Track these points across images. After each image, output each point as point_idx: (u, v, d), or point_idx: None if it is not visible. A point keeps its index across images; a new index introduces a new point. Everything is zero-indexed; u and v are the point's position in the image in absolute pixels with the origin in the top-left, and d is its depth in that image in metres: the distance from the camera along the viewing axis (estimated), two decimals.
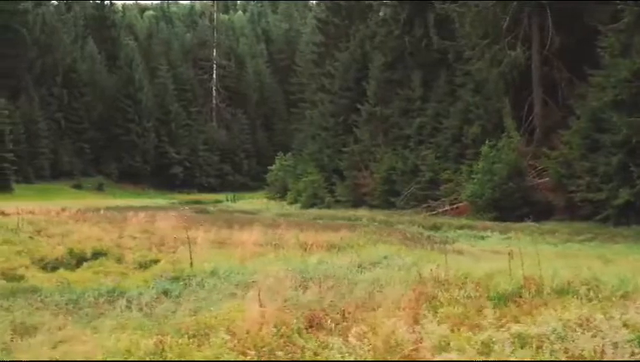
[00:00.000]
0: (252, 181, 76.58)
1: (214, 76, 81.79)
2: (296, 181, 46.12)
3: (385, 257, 14.73)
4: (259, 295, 7.79)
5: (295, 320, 6.65)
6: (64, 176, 63.74)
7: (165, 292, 10.69)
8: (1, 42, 61.77)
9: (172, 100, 73.17)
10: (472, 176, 29.26)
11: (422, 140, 37.19)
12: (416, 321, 7.19)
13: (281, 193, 49.36)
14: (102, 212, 29.24)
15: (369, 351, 5.89)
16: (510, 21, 32.04)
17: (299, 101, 78.99)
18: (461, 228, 24.99)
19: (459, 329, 6.86)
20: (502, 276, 11.21)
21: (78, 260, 14.24)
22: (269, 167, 55.78)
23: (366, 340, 6.10)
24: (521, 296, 9.53)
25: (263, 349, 5.87)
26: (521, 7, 32.62)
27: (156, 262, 13.98)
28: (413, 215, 30.82)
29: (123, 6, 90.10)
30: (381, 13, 48.63)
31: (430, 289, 9.70)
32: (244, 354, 5.78)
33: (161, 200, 56.05)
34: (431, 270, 11.37)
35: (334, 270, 12.43)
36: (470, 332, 6.77)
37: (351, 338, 6.17)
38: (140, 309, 9.37)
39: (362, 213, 32.47)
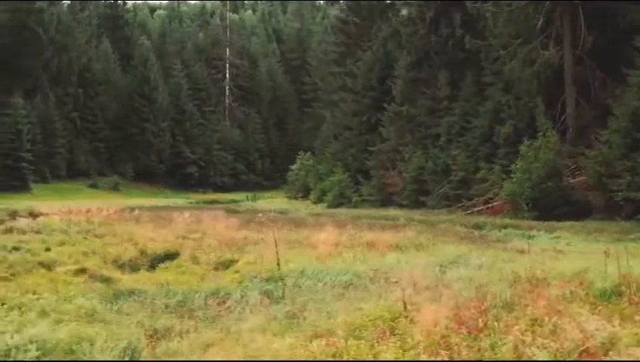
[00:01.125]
0: (265, 180, 76.63)
1: (227, 75, 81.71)
2: (319, 180, 46.06)
3: (458, 256, 14.70)
4: (403, 294, 7.74)
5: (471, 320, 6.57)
6: (80, 176, 63.60)
7: (266, 293, 10.63)
8: (17, 41, 61.63)
9: (187, 100, 73.10)
10: (511, 175, 29.19)
11: (450, 139, 37.13)
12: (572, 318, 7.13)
13: (304, 193, 49.26)
14: (136, 212, 29.14)
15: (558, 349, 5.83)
16: (543, 21, 31.99)
17: (312, 101, 79.18)
18: (504, 227, 24.89)
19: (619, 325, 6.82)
20: (592, 274, 11.18)
21: (151, 261, 14.17)
22: (290, 167, 55.64)
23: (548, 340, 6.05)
24: (620, 294, 9.52)
25: (453, 348, 5.79)
26: (553, 7, 32.60)
27: (233, 262, 13.91)
28: (447, 214, 30.78)
29: (134, 5, 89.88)
30: (403, 12, 48.69)
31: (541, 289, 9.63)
32: (436, 354, 5.71)
33: (179, 200, 55.99)
34: (525, 269, 11.36)
35: (420, 269, 12.36)
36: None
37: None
38: (255, 311, 9.29)
39: (396, 212, 32.38)
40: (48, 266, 14.03)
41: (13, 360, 6.56)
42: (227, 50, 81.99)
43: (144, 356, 7.05)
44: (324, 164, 47.18)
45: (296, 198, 49.88)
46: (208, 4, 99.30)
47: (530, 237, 22.49)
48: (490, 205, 30.80)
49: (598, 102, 32.45)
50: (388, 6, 48.62)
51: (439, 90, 39.08)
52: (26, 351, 6.70)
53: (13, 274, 13.20)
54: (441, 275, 11.95)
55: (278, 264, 12.64)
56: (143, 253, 14.42)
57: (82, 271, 13.51)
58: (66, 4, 72.48)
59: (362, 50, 46.16)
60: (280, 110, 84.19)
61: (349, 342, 6.41)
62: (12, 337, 6.92)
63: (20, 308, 8.45)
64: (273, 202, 50.00)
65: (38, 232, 20.70)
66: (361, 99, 45.19)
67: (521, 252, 16.87)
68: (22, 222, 23.49)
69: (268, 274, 11.97)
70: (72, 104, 64.66)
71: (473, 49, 36.45)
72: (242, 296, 10.16)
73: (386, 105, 42.04)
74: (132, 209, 30.47)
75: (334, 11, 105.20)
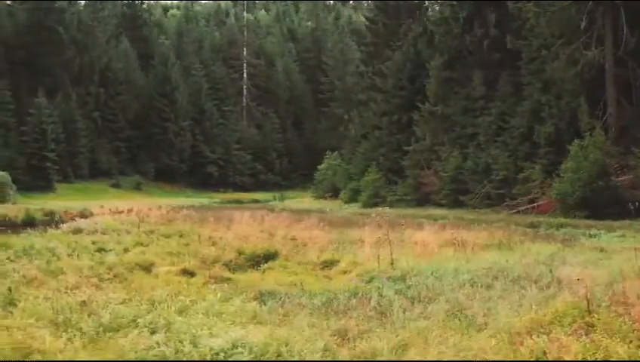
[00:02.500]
0: (283, 180, 76.66)
1: (244, 75, 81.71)
2: (349, 180, 46.05)
3: (553, 255, 14.68)
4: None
5: None
6: (101, 176, 63.64)
7: (398, 293, 10.58)
8: (38, 41, 61.66)
9: (206, 99, 73.10)
10: (554, 174, 29.19)
11: (487, 139, 37.11)
12: None
13: (332, 192, 49.23)
14: (185, 211, 29.12)
15: None
16: (586, 21, 31.98)
17: (329, 100, 79.26)
18: (560, 226, 24.89)
19: None
20: None
21: (251, 262, 14.13)
22: (318, 167, 55.59)
23: None
24: None
25: None
26: (595, 7, 32.60)
27: (335, 262, 13.87)
28: (494, 213, 30.78)
29: (148, 5, 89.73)
30: (430, 12, 48.78)
31: None
32: None
33: (204, 200, 56.00)
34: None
35: (530, 269, 12.34)
36: None
37: None
38: (410, 310, 9.20)
39: (440, 211, 32.34)
40: (145, 267, 13.98)
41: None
42: (244, 49, 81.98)
43: (343, 356, 7.01)
44: (353, 164, 47.13)
45: (324, 198, 49.83)
46: (223, 3, 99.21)
47: (592, 236, 22.48)
48: (535, 204, 30.80)
49: (639, 101, 32.56)
50: (416, 6, 48.60)
51: (474, 90, 39.04)
52: (237, 354, 6.64)
53: (116, 276, 13.13)
54: (556, 273, 11.93)
55: (392, 263, 12.64)
56: (241, 253, 14.36)
57: (185, 271, 13.49)
58: (81, 4, 72.45)
59: (392, 50, 46.09)
60: (297, 109, 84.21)
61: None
62: (213, 340, 6.88)
63: (181, 311, 8.35)
64: (302, 202, 49.97)
65: (103, 233, 20.70)
66: (391, 99, 45.15)
67: (602, 250, 16.86)
68: (81, 223, 23.50)
69: (384, 274, 11.91)
70: (94, 103, 64.68)
71: (514, 49, 36.41)
72: (381, 296, 10.09)
73: (417, 104, 42.06)
74: (176, 208, 30.49)
75: (348, 11, 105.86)
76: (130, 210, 27.99)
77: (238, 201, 57.70)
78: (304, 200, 52.13)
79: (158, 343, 6.70)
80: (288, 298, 9.99)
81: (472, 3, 40.18)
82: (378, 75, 47.33)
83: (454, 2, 41.00)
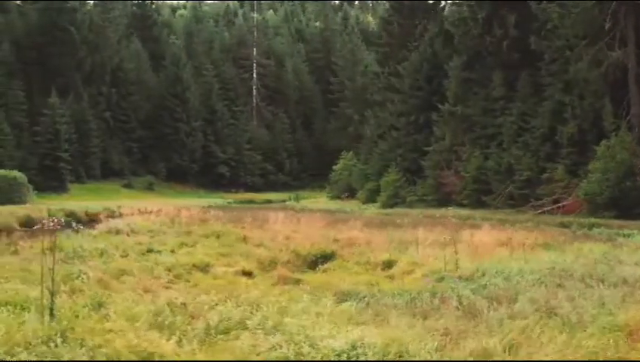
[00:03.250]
0: (293, 180, 76.65)
1: (254, 75, 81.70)
2: (365, 180, 46.07)
3: (606, 254, 14.70)
4: None
5: None
6: (113, 176, 63.61)
7: (475, 292, 10.57)
8: (50, 41, 61.62)
9: (217, 99, 73.09)
10: (579, 174, 29.21)
11: (508, 140, 37.09)
12: None
13: (349, 192, 49.21)
14: (212, 212, 29.10)
15: None
16: (610, 22, 31.97)
17: (338, 100, 79.26)
18: (592, 226, 24.89)
19: None
20: None
21: (308, 262, 14.14)
22: (334, 167, 55.59)
23: None
24: None
25: None
26: (618, 8, 32.59)
27: (393, 262, 13.86)
28: (520, 213, 30.78)
29: (156, 5, 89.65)
30: (446, 12, 48.77)
31: None
32: None
33: (218, 200, 55.89)
34: None
35: (591, 268, 12.35)
36: None
37: None
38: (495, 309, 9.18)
39: (464, 212, 32.28)
40: (202, 268, 13.96)
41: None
42: (254, 50, 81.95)
43: (457, 356, 6.99)
44: (370, 164, 47.12)
45: (340, 198, 49.81)
46: (231, 4, 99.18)
47: (626, 235, 22.49)
48: (561, 204, 30.81)
49: None
50: (432, 6, 48.65)
51: (494, 90, 39.03)
52: (360, 355, 6.62)
53: (177, 276, 13.14)
54: (619, 272, 11.95)
55: (457, 263, 12.65)
56: (297, 254, 14.36)
57: (243, 272, 13.51)
58: (90, 4, 72.34)
59: (408, 51, 46.08)
60: (306, 110, 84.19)
61: None
62: (331, 340, 6.86)
63: (282, 313, 8.31)
64: (318, 202, 49.94)
65: (140, 233, 20.68)
66: (408, 99, 45.15)
67: None
68: (116, 223, 23.49)
69: (451, 274, 11.93)
70: (105, 104, 64.66)
71: (533, 49, 36.38)
72: (459, 296, 10.08)
73: (435, 104, 42.09)
74: (203, 209, 30.47)
75: (355, 11, 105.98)
76: (159, 211, 27.94)
77: (252, 201, 57.67)
78: (319, 201, 52.09)
79: (279, 344, 6.70)
80: (371, 298, 9.98)
81: (490, 3, 40.17)
82: (394, 75, 47.31)
83: (472, 2, 40.96)
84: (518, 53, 38.60)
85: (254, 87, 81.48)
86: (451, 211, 25.92)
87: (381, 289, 10.59)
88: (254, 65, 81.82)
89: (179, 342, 7.03)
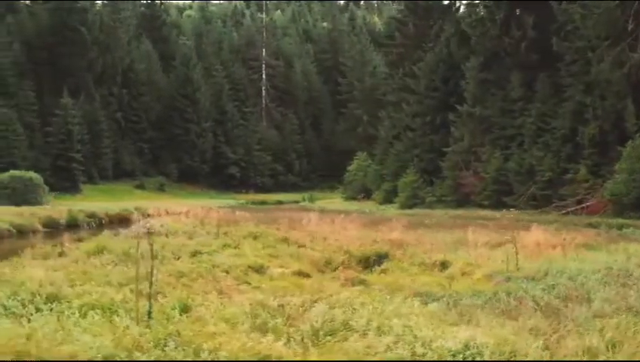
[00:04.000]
0: (303, 181, 76.71)
1: (263, 76, 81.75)
2: (381, 181, 46.16)
3: None
4: None
5: None
6: (124, 176, 63.62)
7: (545, 292, 10.61)
8: (61, 41, 61.60)
9: (227, 100, 73.15)
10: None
11: (529, 140, 37.17)
12: None
13: (364, 193, 49.28)
14: (238, 213, 29.15)
15: None
16: (633, 23, 32.05)
17: (347, 101, 79.37)
18: (622, 226, 24.95)
19: None
20: None
21: (364, 263, 14.16)
22: (348, 168, 55.65)
23: None
24: None
25: None
26: None
27: (448, 263, 13.90)
28: (545, 214, 30.84)
29: (164, 6, 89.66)
30: (461, 13, 48.85)
31: None
32: None
33: (231, 201, 55.86)
34: None
35: None
36: None
37: None
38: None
39: (488, 213, 32.38)
40: (257, 269, 13.96)
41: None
42: (263, 50, 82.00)
43: (564, 355, 7.01)
44: (386, 165, 47.19)
45: (355, 199, 49.86)
46: (238, 4, 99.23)
47: None
48: (585, 205, 30.89)
49: None
50: (447, 6, 48.77)
51: (512, 91, 39.10)
52: (475, 354, 6.65)
53: (235, 278, 13.10)
54: None
55: (517, 264, 12.70)
56: (350, 255, 14.39)
57: (300, 273, 13.52)
58: (99, 4, 72.31)
59: (423, 51, 46.15)
60: (315, 111, 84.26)
61: None
62: (443, 341, 6.90)
63: (379, 314, 8.31)
64: (333, 202, 49.97)
65: (176, 235, 20.67)
66: (424, 100, 45.22)
67: None
68: (151, 224, 23.40)
69: (512, 274, 11.99)
70: (117, 104, 64.68)
71: (552, 50, 36.46)
72: (533, 296, 10.10)
73: (452, 105, 42.19)
74: (226, 210, 30.53)
75: (361, 12, 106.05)
76: (187, 212, 27.99)
77: (264, 202, 57.67)
78: (334, 201, 52.12)
79: (394, 344, 6.73)
80: (449, 299, 9.99)
81: (508, 4, 40.26)
82: (409, 76, 47.37)
83: (490, 3, 41.03)
84: (537, 54, 38.69)
85: (263, 87, 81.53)
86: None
87: (455, 290, 10.64)
88: (263, 65, 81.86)
89: (287, 344, 7.06)
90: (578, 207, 31.15)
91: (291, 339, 7.17)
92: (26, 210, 36.27)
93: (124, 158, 63.81)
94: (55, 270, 12.05)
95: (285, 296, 9.68)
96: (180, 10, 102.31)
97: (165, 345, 6.79)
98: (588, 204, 30.82)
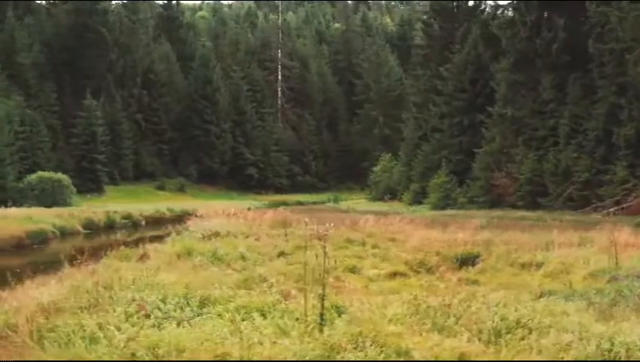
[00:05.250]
0: (320, 182, 76.95)
1: (279, 77, 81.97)
2: (408, 182, 46.37)
3: None
4: None
5: None
6: (145, 178, 63.79)
7: None
8: (81, 42, 61.71)
9: (246, 101, 73.33)
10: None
11: (559, 141, 37.37)
12: None
13: (390, 194, 49.48)
14: (282, 214, 29.22)
15: None
16: None
17: (362, 102, 79.74)
18: None
19: None
20: None
21: (456, 264, 14.34)
22: (374, 168, 55.90)
23: None
24: None
25: None
26: None
27: (540, 263, 14.06)
28: (583, 215, 31.03)
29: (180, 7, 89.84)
30: (487, 12, 49.15)
31: None
32: None
33: (255, 202, 55.88)
34: None
35: None
36: None
37: None
38: None
39: (528, 213, 32.61)
40: (351, 270, 14.12)
41: None
42: (279, 51, 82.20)
43: None
44: (413, 166, 47.39)
45: (381, 200, 50.06)
46: (252, 4, 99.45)
47: None
48: (624, 205, 31.09)
49: None
50: (472, 8, 49.03)
51: (544, 92, 39.27)
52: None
53: (336, 279, 13.26)
54: None
55: (617, 262, 12.86)
56: (443, 256, 14.58)
57: (396, 274, 13.71)
58: (115, 5, 72.45)
59: (451, 53, 46.36)
60: (330, 111, 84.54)
61: None
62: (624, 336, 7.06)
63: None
64: (359, 203, 50.14)
65: (238, 236, 20.75)
66: (451, 101, 45.43)
67: None
68: (205, 226, 23.53)
69: (615, 272, 12.16)
70: (137, 106, 64.81)
71: (584, 52, 36.64)
72: None
73: (481, 106, 42.41)
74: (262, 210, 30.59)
75: (372, 13, 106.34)
76: (235, 213, 28.12)
77: (285, 203, 57.66)
78: (360, 202, 52.30)
79: (579, 341, 6.90)
80: (580, 297, 10.13)
81: (538, 5, 40.45)
82: (436, 77, 47.59)
83: (521, 3, 41.23)
84: (568, 56, 38.87)
85: (279, 88, 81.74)
86: (521, 212, 25.90)
87: (575, 289, 10.82)
88: (279, 67, 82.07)
89: (470, 341, 7.22)
90: (617, 207, 31.33)
91: (474, 339, 7.34)
92: (63, 211, 36.50)
93: (144, 159, 63.99)
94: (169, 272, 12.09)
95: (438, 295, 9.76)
96: (191, 10, 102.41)
97: (363, 345, 6.90)
98: (628, 204, 31.01)
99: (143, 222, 39.20)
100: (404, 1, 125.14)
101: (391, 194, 49.64)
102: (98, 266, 15.18)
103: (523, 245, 16.51)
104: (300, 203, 59.28)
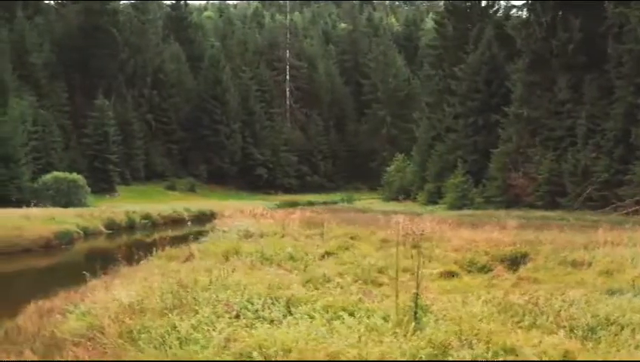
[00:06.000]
0: (328, 182, 77.08)
1: (287, 77, 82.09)
2: (422, 182, 46.54)
3: None
4: None
5: None
6: (155, 177, 63.87)
7: None
8: (92, 43, 61.72)
9: (255, 101, 73.45)
10: None
11: (577, 142, 37.54)
12: None
13: (404, 194, 49.67)
14: (307, 213, 29.32)
15: None
16: None
17: (370, 102, 79.89)
18: None
19: None
20: None
21: (509, 262, 14.46)
22: (387, 168, 56.07)
23: None
24: None
25: None
26: None
27: (587, 263, 14.20)
28: (604, 215, 31.19)
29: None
30: (500, 13, 49.35)
31: None
32: None
33: (266, 202, 55.78)
34: None
35: None
36: None
37: None
38: None
39: (549, 213, 32.72)
40: (403, 270, 14.19)
41: None
42: (287, 51, 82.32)
43: None
44: (426, 166, 47.56)
45: (395, 200, 50.22)
46: (259, 4, 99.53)
47: None
48: None
49: None
50: (484, 9, 49.24)
51: (560, 92, 39.44)
52: None
53: (390, 279, 13.36)
54: None
55: None
56: (491, 256, 14.69)
57: (449, 273, 13.84)
58: (125, 4, 72.44)
59: (465, 53, 46.51)
60: (338, 112, 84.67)
61: None
62: None
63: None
64: (373, 203, 50.23)
65: (269, 236, 20.79)
66: (465, 102, 45.59)
67: None
68: (237, 226, 23.61)
69: None
70: (147, 106, 64.86)
71: (599, 52, 36.84)
72: None
73: (496, 107, 42.60)
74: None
75: (377, 13, 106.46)
76: (261, 213, 28.21)
77: (296, 203, 57.68)
78: (374, 202, 52.42)
79: None
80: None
81: (553, 6, 40.62)
82: (450, 77, 47.75)
83: (535, 4, 41.40)
84: (584, 56, 39.04)
85: (287, 88, 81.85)
86: (542, 212, 25.92)
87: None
88: (287, 67, 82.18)
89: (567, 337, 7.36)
90: (638, 207, 31.53)
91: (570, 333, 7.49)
92: (83, 211, 36.59)
93: (154, 159, 64.06)
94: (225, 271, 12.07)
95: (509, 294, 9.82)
96: (198, 11, 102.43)
97: (469, 343, 7.02)
98: None
99: (162, 223, 39.23)
100: (408, 2, 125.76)
101: (404, 194, 49.82)
102: (149, 265, 15.35)
103: (566, 244, 16.65)
104: (311, 203, 59.15)
